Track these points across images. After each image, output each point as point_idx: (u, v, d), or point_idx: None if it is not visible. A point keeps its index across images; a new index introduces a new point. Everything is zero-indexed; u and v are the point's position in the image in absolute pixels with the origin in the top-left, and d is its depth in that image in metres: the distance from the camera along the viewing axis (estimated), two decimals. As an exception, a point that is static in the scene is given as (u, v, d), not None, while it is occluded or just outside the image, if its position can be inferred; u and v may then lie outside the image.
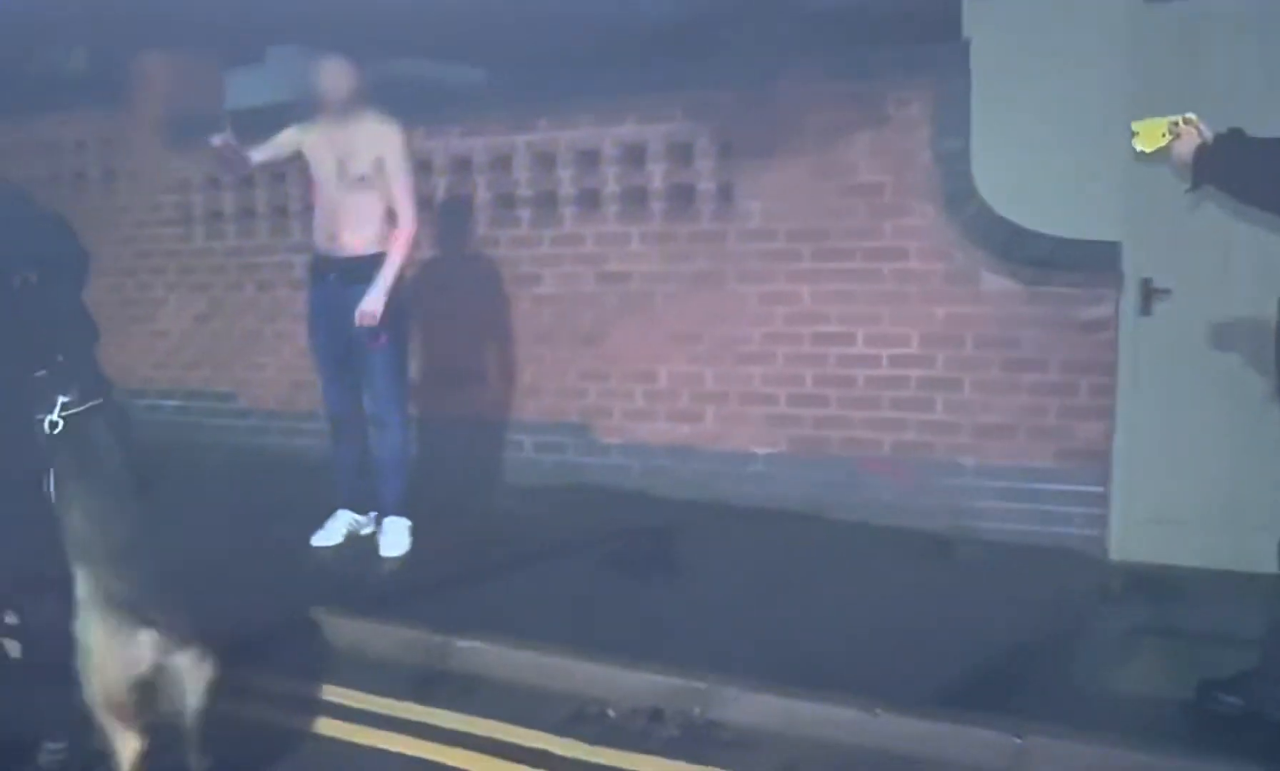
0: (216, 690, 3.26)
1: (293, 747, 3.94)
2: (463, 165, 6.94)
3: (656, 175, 6.36)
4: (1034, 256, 5.48)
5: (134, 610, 3.16)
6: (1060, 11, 5.39)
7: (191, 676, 3.22)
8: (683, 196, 6.31)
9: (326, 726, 4.09)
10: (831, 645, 4.44)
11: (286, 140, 5.65)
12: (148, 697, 3.19)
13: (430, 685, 4.39)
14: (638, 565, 5.45)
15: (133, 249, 8.36)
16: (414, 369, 7.09)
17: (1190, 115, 4.05)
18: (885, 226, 5.80)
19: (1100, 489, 5.40)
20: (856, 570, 5.33)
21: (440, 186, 7.00)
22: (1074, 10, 5.37)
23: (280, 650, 4.63)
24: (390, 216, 5.51)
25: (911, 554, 5.50)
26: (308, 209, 7.32)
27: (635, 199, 6.43)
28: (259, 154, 5.61)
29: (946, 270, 5.68)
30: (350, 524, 5.84)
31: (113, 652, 3.15)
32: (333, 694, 4.32)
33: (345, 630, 4.79)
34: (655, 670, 4.23)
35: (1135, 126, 4.15)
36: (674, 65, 6.34)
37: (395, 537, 5.68)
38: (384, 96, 5.64)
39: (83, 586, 3.21)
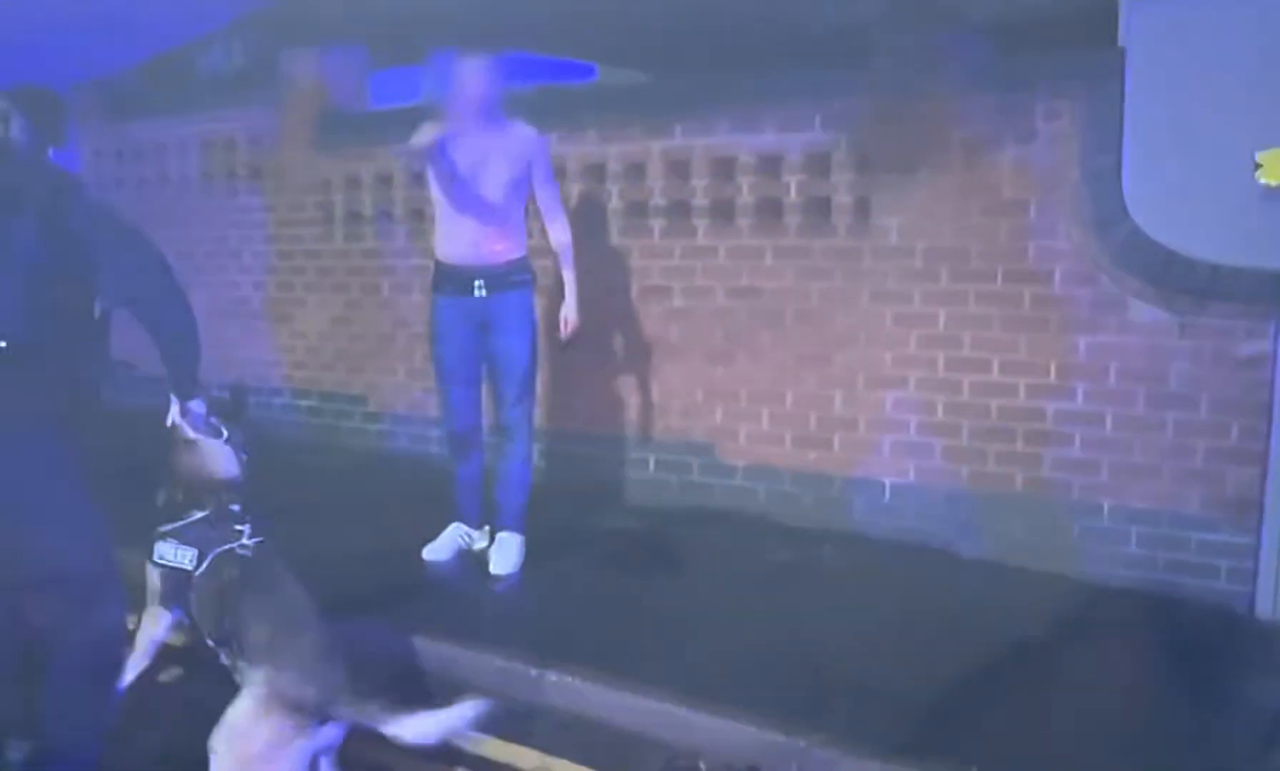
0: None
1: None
2: (596, 172, 7.05)
3: (792, 187, 6.36)
4: (1188, 285, 5.31)
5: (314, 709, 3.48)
6: (1225, 19, 5.22)
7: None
8: (818, 210, 6.29)
9: (395, 759, 4.06)
10: (950, 705, 4.34)
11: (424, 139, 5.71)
12: None
13: (518, 721, 4.42)
14: (753, 601, 5.42)
15: (276, 248, 8.75)
16: (542, 381, 7.29)
17: None
18: (1028, 248, 5.70)
19: (1249, 540, 5.18)
20: (983, 619, 5.18)
21: (574, 193, 7.11)
22: (1240, 18, 5.18)
23: (368, 667, 4.76)
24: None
25: (1043, 600, 5.36)
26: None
27: (770, 211, 6.45)
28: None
29: (1092, 297, 5.55)
30: (463, 538, 5.97)
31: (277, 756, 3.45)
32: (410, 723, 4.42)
33: (436, 653, 4.90)
34: (753, 722, 4.21)
35: (1260, 157, 4.02)
36: (814, 72, 6.32)
37: (508, 555, 5.80)
38: (521, 99, 5.77)
39: (260, 686, 3.52)
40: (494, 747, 4.29)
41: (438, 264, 5.78)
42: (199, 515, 3.99)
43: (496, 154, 5.59)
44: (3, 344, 3.57)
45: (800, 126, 6.33)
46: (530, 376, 5.86)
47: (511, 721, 4.33)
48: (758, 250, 6.52)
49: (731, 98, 6.60)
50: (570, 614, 5.29)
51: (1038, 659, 4.76)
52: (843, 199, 6.22)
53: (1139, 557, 5.45)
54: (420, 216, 7.88)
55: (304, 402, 8.64)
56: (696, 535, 6.37)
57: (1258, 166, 3.99)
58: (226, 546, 3.90)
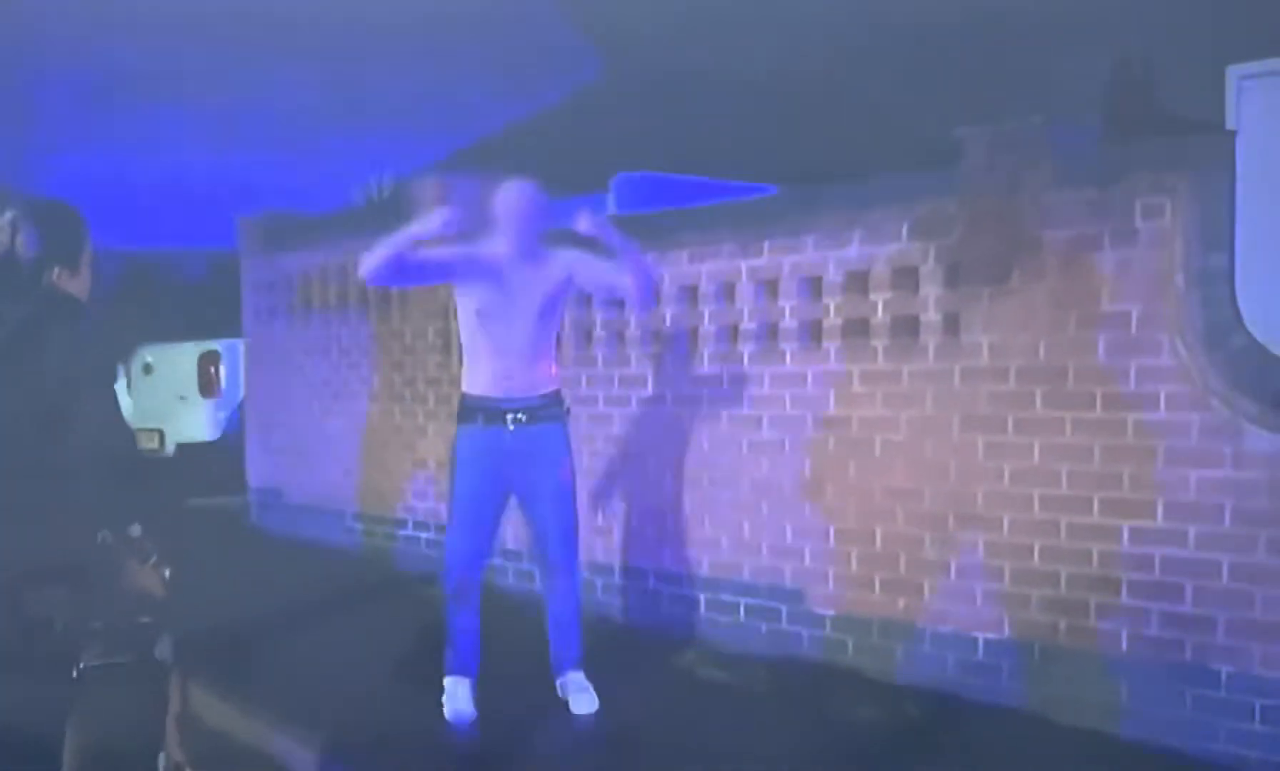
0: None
1: None
2: (690, 294, 6.52)
3: (879, 304, 5.67)
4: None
5: None
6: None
7: None
8: (907, 329, 5.57)
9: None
10: None
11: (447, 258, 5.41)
12: None
13: None
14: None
15: (402, 375, 8.52)
16: (625, 515, 6.76)
17: None
18: (1130, 366, 4.83)
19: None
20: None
21: (667, 317, 6.60)
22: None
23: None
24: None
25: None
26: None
27: (857, 332, 5.77)
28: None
29: (1202, 423, 4.63)
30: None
31: None
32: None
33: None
34: None
35: None
36: (900, 177, 5.66)
37: (587, 691, 5.37)
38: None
39: None
40: None
41: (465, 397, 5.37)
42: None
43: (536, 282, 5.30)
44: None
45: (887, 236, 5.65)
46: (574, 509, 5.46)
47: None
48: (844, 375, 5.83)
49: (818, 209, 5.98)
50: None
51: None
52: (931, 316, 5.49)
53: (1258, 735, 4.44)
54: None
55: (423, 535, 8.30)
56: (776, 689, 5.68)
57: None
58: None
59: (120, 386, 9.94)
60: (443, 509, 7.93)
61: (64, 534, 3.51)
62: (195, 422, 11.34)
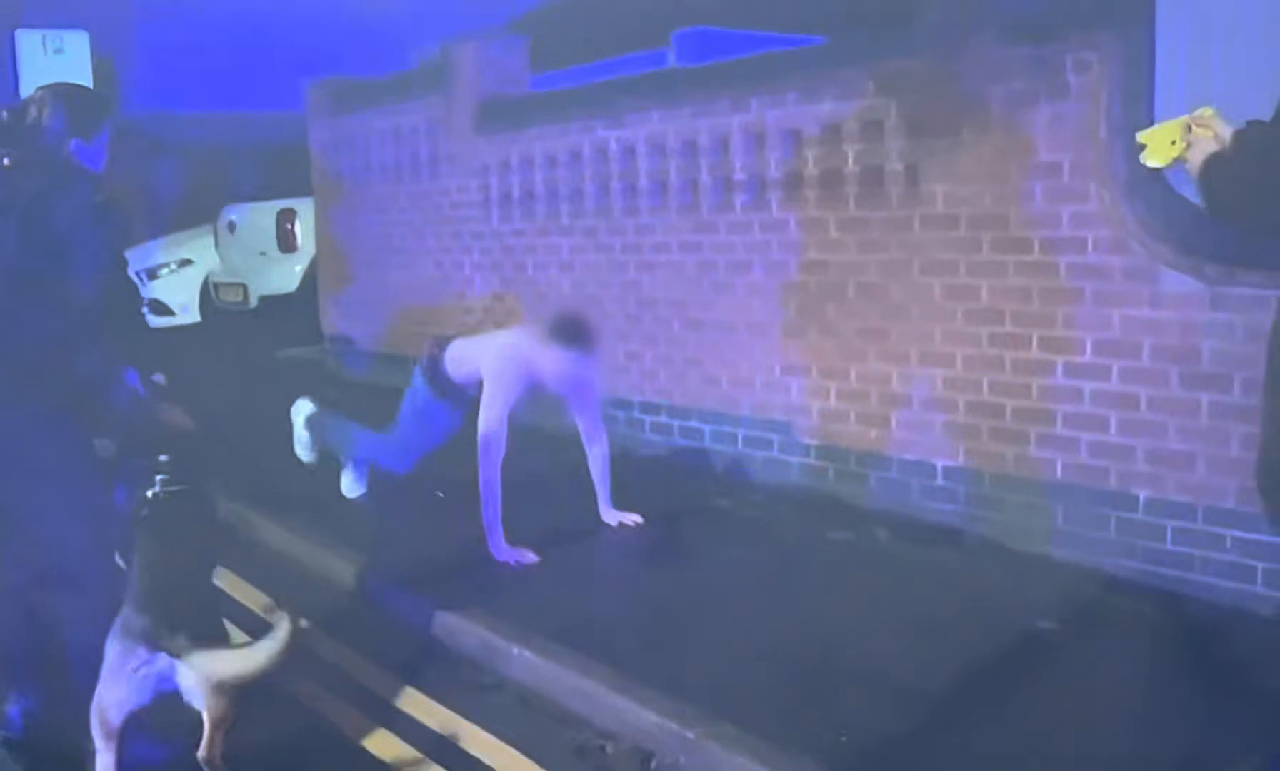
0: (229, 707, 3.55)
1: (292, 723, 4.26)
2: (691, 148, 6.84)
3: (850, 156, 5.95)
4: (1219, 251, 4.59)
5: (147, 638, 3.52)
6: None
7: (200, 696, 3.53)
8: (874, 179, 5.86)
9: (341, 713, 4.33)
10: (912, 702, 4.02)
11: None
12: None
13: (478, 693, 4.50)
14: (778, 587, 5.16)
15: (449, 229, 8.98)
16: (650, 359, 7.19)
17: (1206, 109, 3.24)
18: (1063, 213, 5.09)
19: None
20: (988, 616, 4.71)
21: (671, 169, 6.95)
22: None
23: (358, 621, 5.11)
24: None
25: (1064, 595, 4.82)
26: (575, 193, 7.61)
27: (832, 182, 6.06)
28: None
29: (1124, 266, 4.89)
30: None
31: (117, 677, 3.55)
32: (372, 677, 4.62)
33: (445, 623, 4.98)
34: (655, 709, 4.03)
35: (1141, 137, 3.41)
36: (872, 34, 5.89)
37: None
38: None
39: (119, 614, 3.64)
40: (411, 700, 4.43)
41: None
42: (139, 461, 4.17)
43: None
44: None
45: (857, 93, 5.91)
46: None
47: (470, 692, 4.46)
48: (823, 222, 6.15)
49: (797, 68, 6.25)
50: (590, 591, 5.20)
51: (1031, 659, 4.33)
52: (894, 167, 5.77)
53: (1173, 556, 4.80)
54: (555, 197, 7.89)
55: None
56: (760, 514, 6.15)
57: (1141, 148, 3.40)
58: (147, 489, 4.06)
59: (208, 242, 10.55)
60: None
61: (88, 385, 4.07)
62: (276, 277, 11.92)
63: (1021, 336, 5.30)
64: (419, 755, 4.09)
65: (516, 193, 8.26)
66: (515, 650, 4.61)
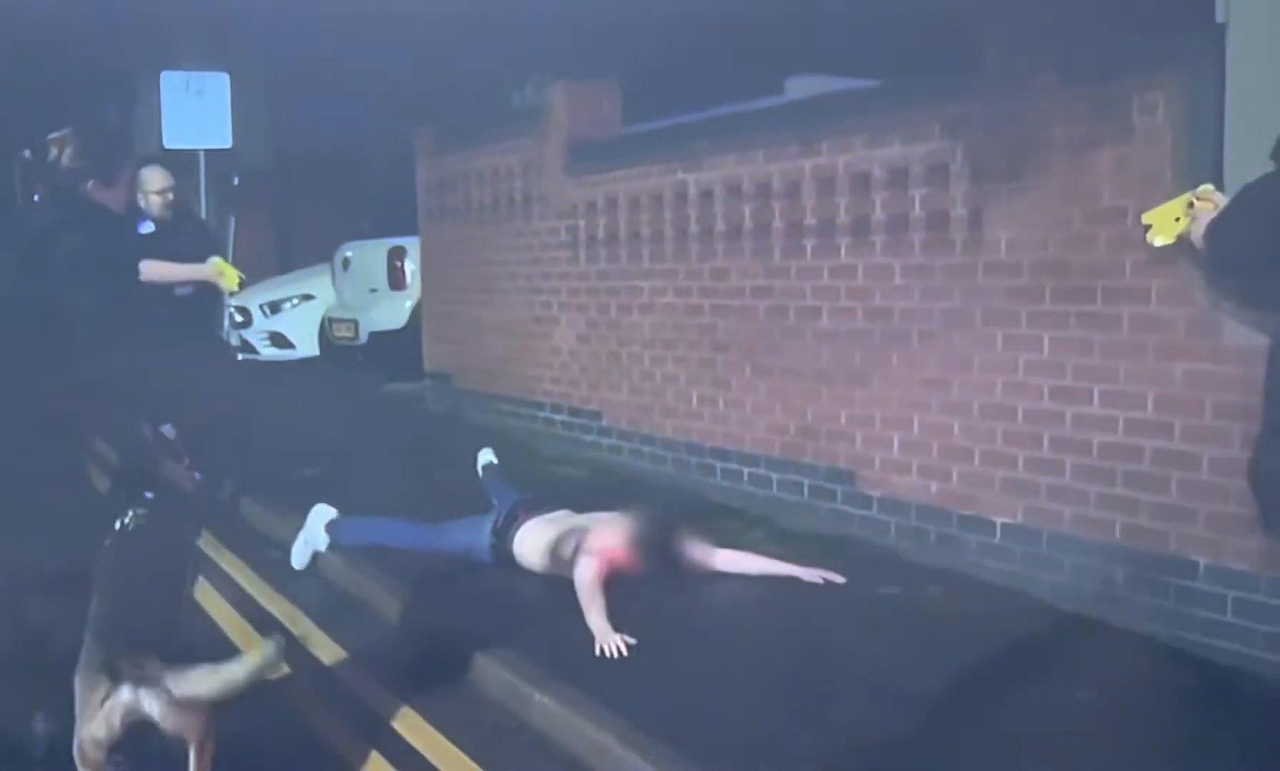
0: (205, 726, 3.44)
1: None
2: (764, 191, 6.65)
3: (916, 201, 5.70)
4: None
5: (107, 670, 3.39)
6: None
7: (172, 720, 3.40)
8: (939, 225, 5.59)
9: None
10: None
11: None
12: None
13: (494, 736, 4.36)
14: (816, 642, 4.86)
15: (540, 270, 8.91)
16: (723, 404, 6.98)
17: (1206, 187, 3.20)
18: (1126, 262, 4.75)
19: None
20: (1052, 688, 4.36)
21: (746, 213, 6.77)
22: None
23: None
24: None
25: (1125, 670, 4.46)
26: (655, 235, 7.47)
27: (898, 227, 5.81)
28: None
29: (1187, 317, 4.54)
30: None
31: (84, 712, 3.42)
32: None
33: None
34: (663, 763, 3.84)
35: (1146, 218, 3.38)
36: (936, 78, 5.64)
37: None
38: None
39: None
40: (427, 739, 4.32)
41: None
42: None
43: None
44: None
45: (922, 136, 5.65)
46: None
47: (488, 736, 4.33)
48: (888, 269, 5.89)
49: (867, 111, 6.02)
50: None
51: (1067, 731, 3.99)
52: (959, 212, 5.49)
53: (1230, 627, 4.41)
54: (637, 238, 7.75)
55: (558, 417, 8.74)
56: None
57: (1147, 228, 3.36)
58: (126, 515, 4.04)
59: (325, 279, 10.65)
60: (573, 394, 8.41)
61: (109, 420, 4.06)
62: (385, 313, 12.00)
63: (1082, 390, 4.97)
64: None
65: (601, 234, 8.15)
66: (537, 696, 4.46)
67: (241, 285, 7.43)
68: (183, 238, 7.15)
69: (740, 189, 6.82)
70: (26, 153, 4.34)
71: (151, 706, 3.30)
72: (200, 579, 4.12)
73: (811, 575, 5.50)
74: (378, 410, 10.72)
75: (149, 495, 4.00)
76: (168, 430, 4.35)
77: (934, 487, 5.68)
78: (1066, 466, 5.05)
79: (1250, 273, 3.27)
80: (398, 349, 11.54)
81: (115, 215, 4.24)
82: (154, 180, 6.82)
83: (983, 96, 5.35)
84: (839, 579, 5.47)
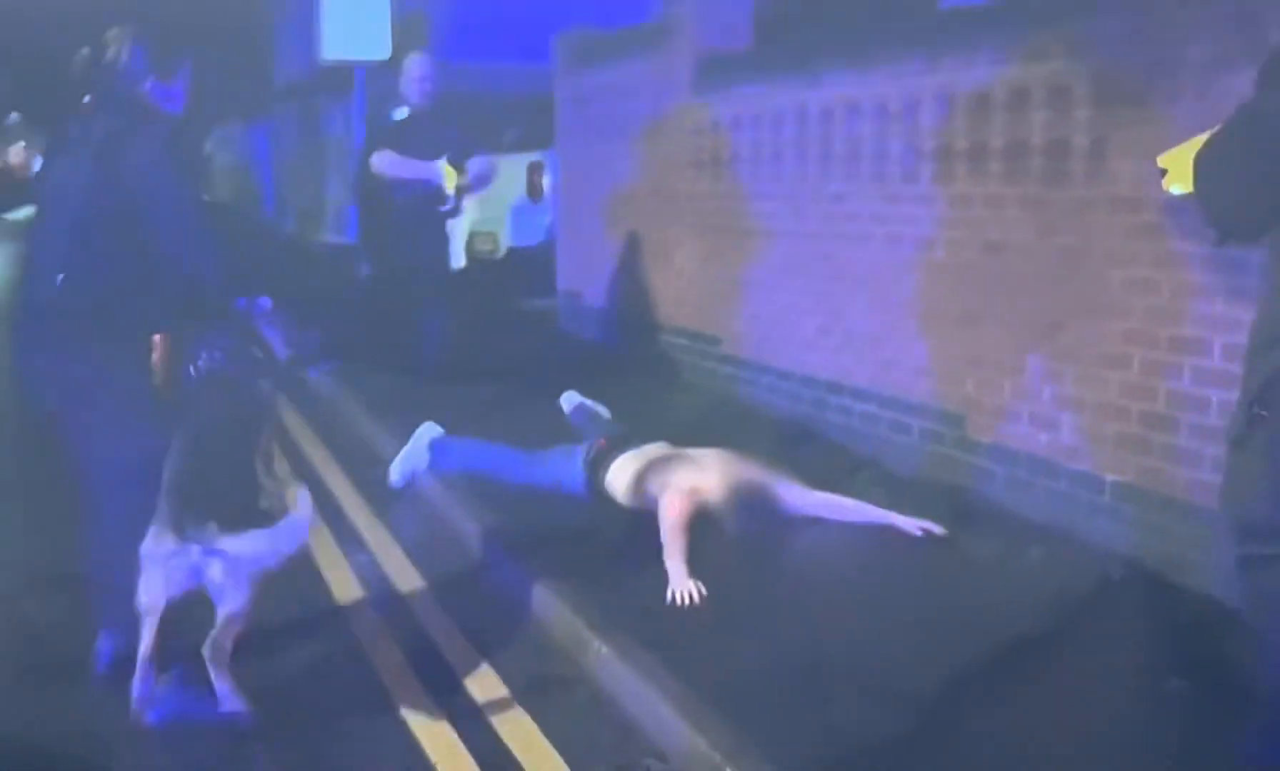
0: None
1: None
2: (882, 112, 6.21)
3: (1036, 127, 5.21)
4: None
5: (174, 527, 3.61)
6: None
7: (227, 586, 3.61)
8: (1059, 154, 5.10)
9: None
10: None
11: None
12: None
13: (541, 683, 4.21)
14: (905, 603, 4.55)
15: (662, 192, 8.61)
16: (838, 335, 6.63)
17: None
18: (1257, 201, 4.22)
19: None
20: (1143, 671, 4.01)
21: (865, 134, 6.34)
22: None
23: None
24: None
25: (1224, 653, 4.00)
26: (778, 153, 7.11)
27: (1017, 155, 5.33)
28: None
29: (1322, 266, 4.01)
30: None
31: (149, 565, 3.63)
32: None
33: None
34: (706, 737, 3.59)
35: (1162, 160, 2.92)
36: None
37: None
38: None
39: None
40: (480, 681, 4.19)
41: None
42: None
43: None
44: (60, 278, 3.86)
45: (1044, 56, 5.15)
46: None
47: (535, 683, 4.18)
48: (1002, 199, 5.43)
49: (991, 26, 5.54)
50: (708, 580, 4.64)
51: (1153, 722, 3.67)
52: (1080, 141, 4.99)
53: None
54: (756, 159, 7.40)
55: (678, 341, 8.48)
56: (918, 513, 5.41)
57: (1164, 174, 2.93)
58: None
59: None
60: (695, 318, 8.14)
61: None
62: (523, 228, 11.87)
63: (1203, 341, 4.47)
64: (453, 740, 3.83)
65: (726, 154, 7.80)
66: (596, 644, 4.27)
67: (458, 192, 7.74)
68: (430, 131, 7.70)
69: (860, 109, 6.39)
70: (86, 50, 4.23)
71: (214, 571, 3.54)
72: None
73: (910, 525, 5.15)
74: (508, 326, 10.59)
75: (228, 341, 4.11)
76: (264, 302, 4.35)
77: (1043, 438, 5.25)
78: (1182, 424, 4.58)
79: (1239, 215, 2.89)
80: (535, 264, 11.41)
81: (174, 118, 4.10)
82: (413, 68, 7.79)
83: (1110, 13, 4.83)
84: (939, 530, 5.12)
